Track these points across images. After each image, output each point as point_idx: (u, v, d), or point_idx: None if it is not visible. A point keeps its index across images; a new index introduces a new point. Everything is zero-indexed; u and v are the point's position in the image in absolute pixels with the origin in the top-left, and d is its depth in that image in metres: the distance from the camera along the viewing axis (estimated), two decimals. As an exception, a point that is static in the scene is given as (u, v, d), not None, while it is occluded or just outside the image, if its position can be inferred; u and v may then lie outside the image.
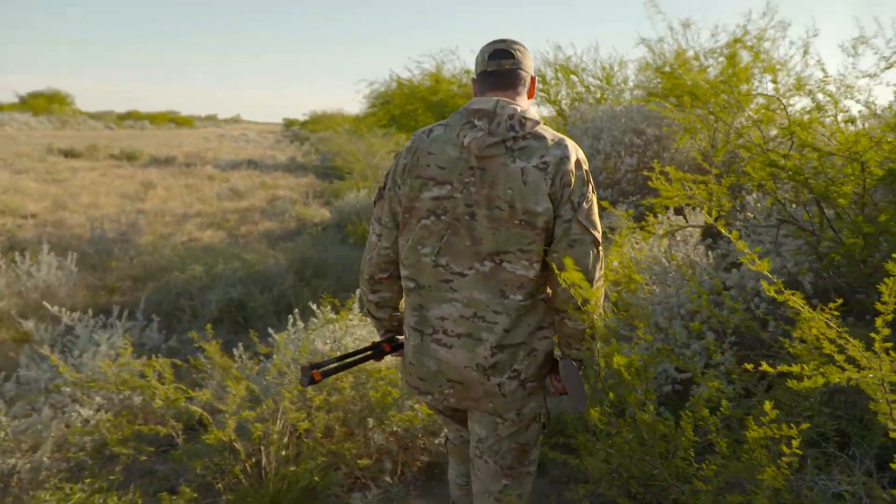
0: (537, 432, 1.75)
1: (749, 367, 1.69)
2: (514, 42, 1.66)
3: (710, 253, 3.46)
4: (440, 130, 1.62)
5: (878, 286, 1.37)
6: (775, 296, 1.54)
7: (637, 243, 3.46)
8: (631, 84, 8.79)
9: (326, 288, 5.08)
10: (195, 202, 10.68)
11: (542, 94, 9.29)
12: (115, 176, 13.88)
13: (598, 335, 1.63)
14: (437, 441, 2.88)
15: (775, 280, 1.56)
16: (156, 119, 55.68)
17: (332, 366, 1.75)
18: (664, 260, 3.28)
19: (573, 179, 1.54)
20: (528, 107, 1.65)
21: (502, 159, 1.54)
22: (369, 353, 1.82)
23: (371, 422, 2.73)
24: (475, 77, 1.68)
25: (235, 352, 2.97)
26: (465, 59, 9.77)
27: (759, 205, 3.76)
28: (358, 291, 1.85)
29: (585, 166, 1.60)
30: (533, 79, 1.69)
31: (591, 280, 1.55)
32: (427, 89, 9.21)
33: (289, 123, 54.10)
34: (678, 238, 3.58)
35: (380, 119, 10.22)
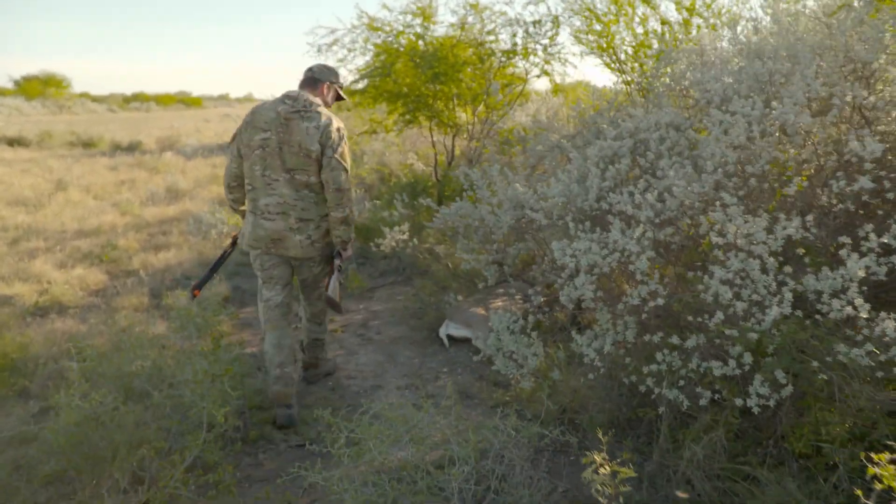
0: (324, 269, 3.36)
1: None
2: (321, 64, 3.27)
3: None
4: (268, 104, 3.07)
5: None
6: None
7: None
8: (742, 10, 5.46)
9: None
10: (106, 210, 7.77)
11: (591, 39, 6.05)
12: (43, 170, 11.06)
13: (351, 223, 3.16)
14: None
15: None
16: (163, 100, 53.03)
17: (203, 277, 3.24)
18: None
19: (333, 136, 3.04)
20: (318, 100, 3.11)
21: (298, 121, 3.01)
22: (228, 251, 3.38)
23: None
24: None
25: None
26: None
27: None
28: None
29: (344, 132, 3.11)
30: (330, 84, 3.26)
31: (343, 189, 3.07)
32: (412, 41, 5.90)
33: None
34: None
35: (377, 98, 6.45)
